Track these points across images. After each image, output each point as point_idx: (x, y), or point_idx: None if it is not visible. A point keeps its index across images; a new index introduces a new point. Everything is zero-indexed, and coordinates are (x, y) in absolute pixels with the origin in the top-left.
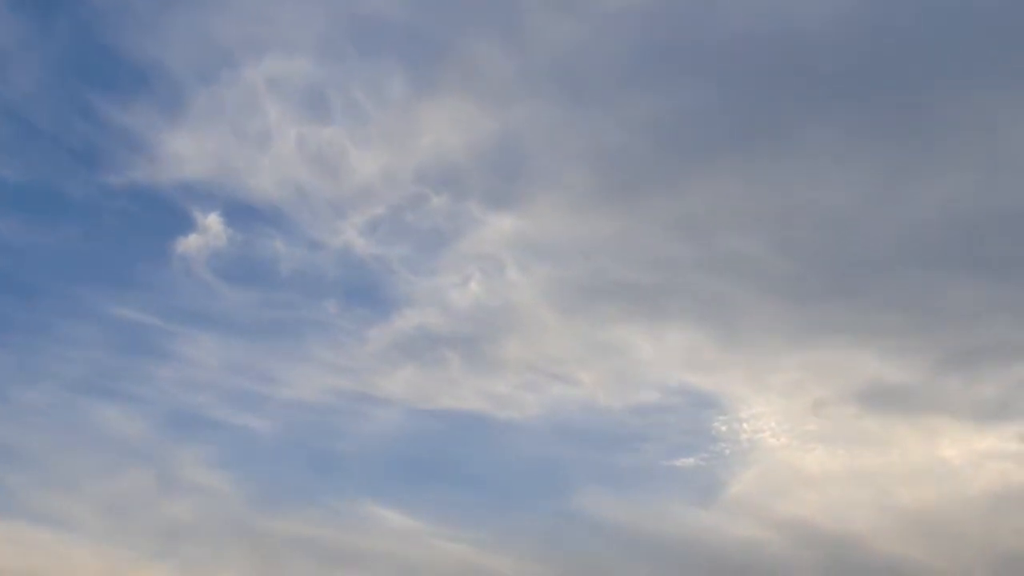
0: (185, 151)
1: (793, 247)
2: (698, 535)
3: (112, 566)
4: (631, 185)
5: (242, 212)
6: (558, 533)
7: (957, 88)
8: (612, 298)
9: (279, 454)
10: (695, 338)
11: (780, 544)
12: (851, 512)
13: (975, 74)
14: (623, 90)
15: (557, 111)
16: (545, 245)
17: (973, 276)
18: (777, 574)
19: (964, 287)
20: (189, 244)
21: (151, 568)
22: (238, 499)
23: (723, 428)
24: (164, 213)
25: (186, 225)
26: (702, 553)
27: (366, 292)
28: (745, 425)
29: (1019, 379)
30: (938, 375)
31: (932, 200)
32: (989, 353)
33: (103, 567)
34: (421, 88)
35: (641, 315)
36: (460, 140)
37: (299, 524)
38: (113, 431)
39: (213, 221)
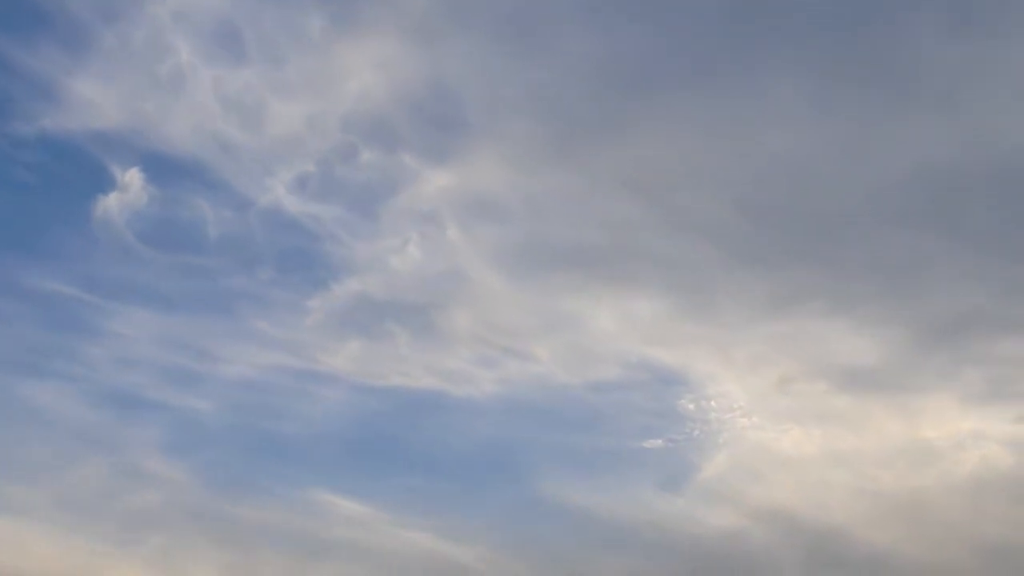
0: (95, 96)
1: (759, 206)
2: (670, 523)
3: (69, 557)
4: (578, 136)
5: (162, 166)
6: (524, 520)
7: (944, 25)
8: (564, 263)
9: (226, 438)
10: (655, 308)
11: (756, 532)
12: (829, 498)
13: (966, 11)
14: (565, 26)
15: (491, 51)
16: (487, 203)
17: (958, 240)
18: (755, 563)
19: (948, 252)
20: (110, 204)
21: (112, 558)
22: (193, 487)
23: (690, 407)
24: (80, 167)
25: (105, 182)
26: (675, 542)
27: (301, 257)
28: (713, 403)
29: (1005, 355)
30: (919, 349)
31: (915, 153)
32: (974, 326)
33: (61, 558)
34: (340, 25)
35: (596, 282)
36: (387, 86)
37: (258, 512)
38: (53, 414)
39: (133, 177)
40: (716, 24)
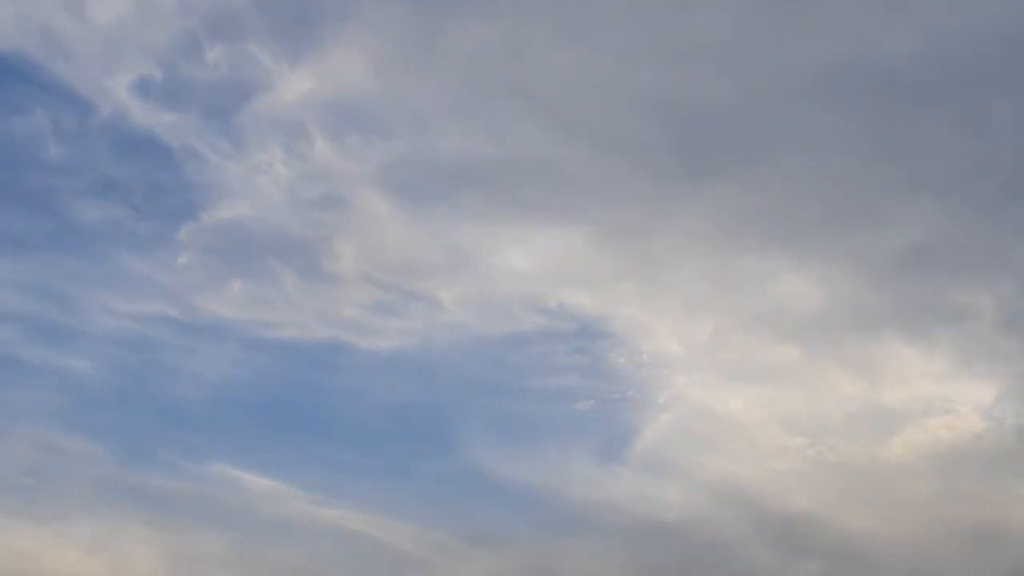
0: None
1: (681, 111)
2: (618, 501)
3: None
4: (451, 21)
5: None
6: (458, 497)
7: None
8: (455, 184)
9: (116, 405)
10: (568, 242)
11: (715, 512)
12: (788, 471)
13: None
14: None
15: None
16: (358, 111)
17: (922, 158)
18: (719, 550)
19: (909, 174)
20: None
21: (46, 542)
22: (102, 461)
23: (621, 361)
24: None
25: None
26: (627, 524)
27: (159, 178)
28: (646, 357)
29: (975, 303)
30: (874, 293)
31: (868, 48)
32: (938, 268)
33: None
34: None
35: (496, 208)
36: None
37: (181, 489)
38: None
39: None
40: None
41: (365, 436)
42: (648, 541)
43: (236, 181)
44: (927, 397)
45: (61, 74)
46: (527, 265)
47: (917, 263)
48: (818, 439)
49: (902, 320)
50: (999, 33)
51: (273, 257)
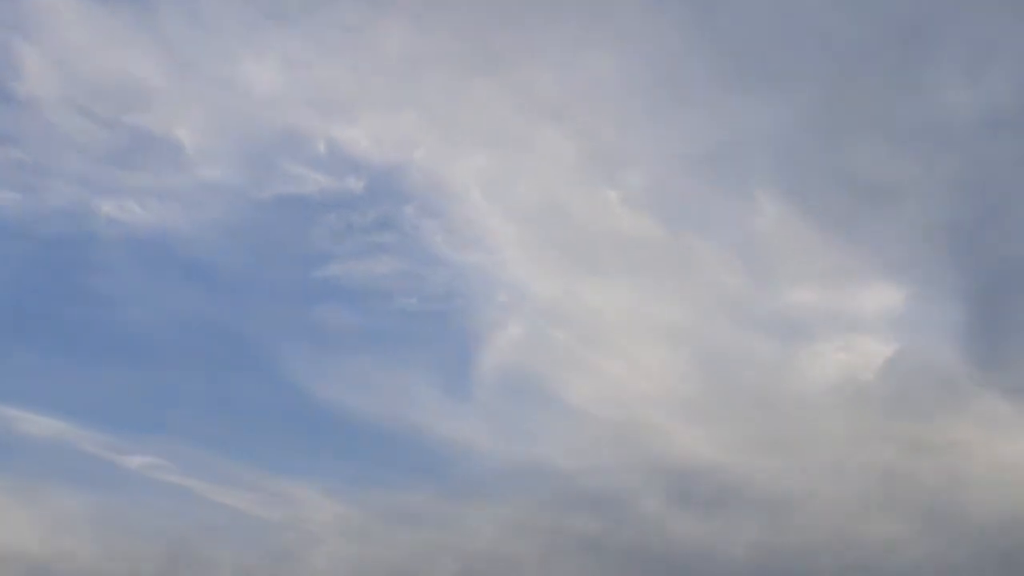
0: None
1: None
2: (480, 439)
3: None
4: None
5: None
6: (291, 435)
7: None
8: None
9: None
10: (317, 44)
11: (603, 458)
12: (669, 398)
13: None
14: None
15: None
16: None
17: None
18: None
19: None
20: None
21: None
22: None
23: (437, 240)
24: None
25: None
26: (500, 468)
27: None
28: (463, 232)
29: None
30: (761, 146)
31: None
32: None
33: None
34: None
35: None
36: None
37: None
38: None
39: None
40: None
41: (153, 356)
42: (534, 495)
43: None
44: (831, 301)
45: None
46: (274, 83)
47: (817, 118)
48: (704, 354)
49: (795, 190)
50: None
51: None
